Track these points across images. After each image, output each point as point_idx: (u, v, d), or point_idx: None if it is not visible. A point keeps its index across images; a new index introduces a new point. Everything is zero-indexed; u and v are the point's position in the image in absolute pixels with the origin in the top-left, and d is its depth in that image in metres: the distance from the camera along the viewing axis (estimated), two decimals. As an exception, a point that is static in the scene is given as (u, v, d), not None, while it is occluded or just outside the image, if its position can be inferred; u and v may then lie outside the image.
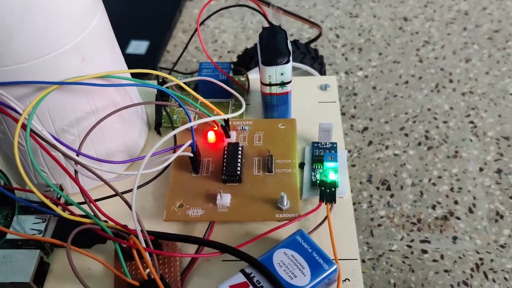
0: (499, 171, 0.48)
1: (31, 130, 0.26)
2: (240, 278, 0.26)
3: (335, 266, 0.26)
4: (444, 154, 0.50)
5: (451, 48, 0.62)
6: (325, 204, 0.31)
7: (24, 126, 0.26)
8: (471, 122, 0.53)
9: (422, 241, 0.43)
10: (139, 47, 0.60)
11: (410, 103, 0.55)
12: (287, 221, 0.30)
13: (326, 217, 0.30)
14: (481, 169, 0.48)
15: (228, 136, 0.34)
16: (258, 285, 0.25)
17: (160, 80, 0.38)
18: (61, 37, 0.26)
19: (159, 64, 0.61)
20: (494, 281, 0.40)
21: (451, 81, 0.58)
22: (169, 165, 0.31)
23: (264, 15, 0.36)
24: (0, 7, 0.24)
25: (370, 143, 0.51)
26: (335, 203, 0.31)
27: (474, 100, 0.55)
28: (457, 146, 0.50)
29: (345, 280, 0.28)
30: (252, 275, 0.26)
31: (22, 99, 0.27)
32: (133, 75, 0.34)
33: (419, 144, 0.51)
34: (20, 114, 0.26)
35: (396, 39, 0.64)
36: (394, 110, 0.54)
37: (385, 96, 0.56)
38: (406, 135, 0.52)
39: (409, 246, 0.43)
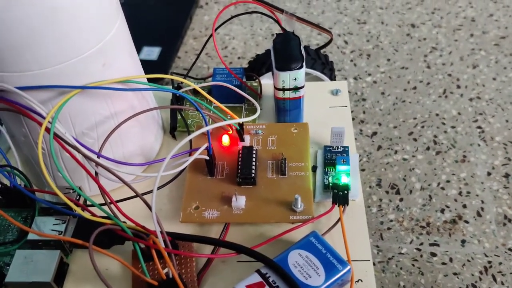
0: (507, 176, 0.48)
1: (54, 133, 0.26)
2: (256, 278, 0.26)
3: (348, 267, 0.27)
4: (452, 159, 0.50)
5: (458, 54, 0.62)
6: (338, 206, 0.31)
7: (47, 130, 0.26)
8: (479, 127, 0.53)
9: (431, 244, 0.43)
10: (151, 53, 0.61)
11: (419, 108, 0.55)
12: (301, 223, 0.30)
13: (339, 219, 0.30)
14: (489, 174, 0.48)
15: (242, 140, 0.35)
16: (273, 285, 0.26)
17: (175, 86, 0.38)
18: (84, 43, 0.27)
19: (170, 69, 0.62)
20: (502, 283, 0.40)
21: (458, 86, 0.58)
22: (185, 168, 0.31)
23: (277, 22, 0.37)
24: (27, 13, 0.25)
25: (379, 147, 0.52)
26: (347, 205, 0.31)
27: (481, 105, 0.55)
28: (465, 151, 0.50)
29: (358, 281, 0.28)
30: (267, 275, 0.26)
31: (45, 103, 0.28)
32: (148, 81, 0.35)
33: (428, 148, 0.51)
34: (44, 118, 0.26)
35: (404, 45, 0.64)
36: (403, 115, 0.55)
37: (394, 101, 0.57)
38: (415, 140, 0.52)
39: (418, 249, 0.43)
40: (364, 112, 0.56)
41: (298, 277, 0.26)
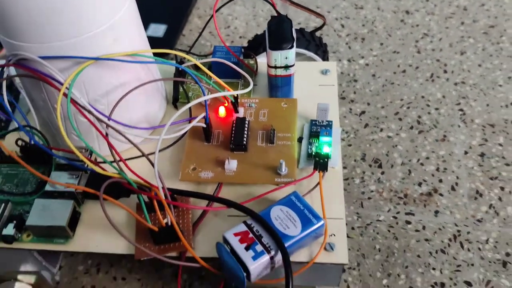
0: (482, 155, 0.51)
1: (71, 98, 0.30)
2: (243, 228, 0.30)
3: (322, 222, 0.31)
4: (433, 138, 0.53)
5: (448, 40, 0.65)
6: (318, 172, 0.35)
7: (65, 95, 0.30)
8: (461, 110, 0.56)
9: (406, 214, 0.47)
10: (157, 30, 0.64)
11: (406, 90, 0.59)
12: (284, 185, 0.34)
13: (318, 183, 0.34)
14: (466, 152, 0.52)
15: (236, 112, 0.38)
16: (257, 234, 0.30)
17: (179, 60, 0.42)
18: (98, 19, 0.31)
19: (175, 46, 0.65)
20: (468, 250, 0.44)
21: (445, 71, 0.61)
22: (185, 133, 0.35)
23: (273, 5, 0.40)
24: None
25: (366, 125, 0.55)
26: (326, 171, 0.35)
27: (465, 90, 0.58)
28: (446, 131, 0.54)
29: (331, 235, 0.32)
30: (252, 226, 0.30)
31: (62, 71, 0.31)
32: (154, 55, 0.38)
33: (411, 128, 0.54)
34: (62, 84, 0.30)
35: (397, 30, 0.67)
36: (391, 96, 0.58)
37: (383, 83, 0.60)
38: (400, 119, 0.55)
39: (395, 217, 0.47)
40: (354, 93, 0.59)
41: (278, 228, 0.30)
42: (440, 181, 0.49)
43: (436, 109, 0.56)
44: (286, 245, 0.29)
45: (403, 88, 0.59)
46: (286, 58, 0.37)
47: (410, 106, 0.57)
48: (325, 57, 0.52)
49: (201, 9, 0.73)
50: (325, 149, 0.36)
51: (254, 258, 0.29)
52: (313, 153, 0.36)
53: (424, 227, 0.46)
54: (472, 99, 0.57)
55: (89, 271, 0.45)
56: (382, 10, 0.71)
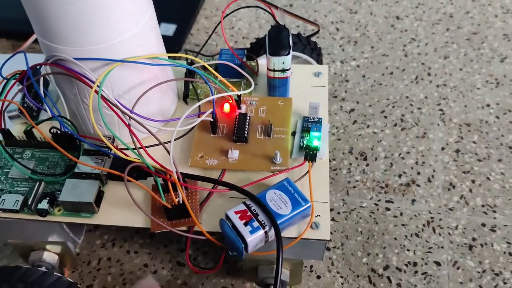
0: (457, 151, 0.57)
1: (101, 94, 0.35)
2: (242, 207, 0.35)
3: (309, 204, 0.36)
4: (414, 135, 0.58)
5: (433, 45, 0.70)
6: (308, 162, 0.40)
7: (95, 91, 0.35)
8: (441, 110, 0.61)
9: (387, 201, 0.52)
10: (168, 29, 0.69)
11: (392, 91, 0.64)
12: (278, 172, 0.39)
13: (307, 172, 0.39)
14: (443, 148, 0.57)
15: (239, 108, 0.43)
16: (254, 212, 0.35)
17: (189, 62, 0.47)
18: (124, 28, 0.35)
19: (183, 45, 0.70)
20: (439, 234, 0.50)
21: (429, 74, 0.66)
22: (194, 126, 0.40)
23: (273, 15, 0.45)
24: (86, 2, 0.33)
25: (355, 122, 0.60)
26: (315, 162, 0.40)
27: (446, 91, 0.63)
28: (426, 129, 0.59)
29: (317, 216, 0.37)
30: (250, 206, 0.35)
31: (94, 71, 0.36)
32: (168, 57, 0.43)
33: (395, 125, 0.59)
34: (93, 82, 0.35)
35: (388, 35, 0.72)
36: (378, 96, 0.63)
37: (372, 84, 0.65)
38: (385, 117, 0.60)
39: (376, 204, 0.52)
40: (345, 92, 0.64)
41: (272, 208, 0.35)
42: (418, 173, 0.54)
43: (419, 108, 0.61)
44: (278, 222, 0.34)
45: (390, 89, 0.64)
46: (283, 63, 0.42)
47: (395, 105, 0.62)
48: (319, 60, 0.57)
49: (207, 10, 0.77)
50: (315, 143, 0.40)
51: (251, 232, 0.34)
52: (304, 146, 0.41)
53: (401, 214, 0.51)
54: (451, 100, 0.62)
55: (105, 245, 0.50)
56: (374, 15, 0.75)
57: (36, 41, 0.69)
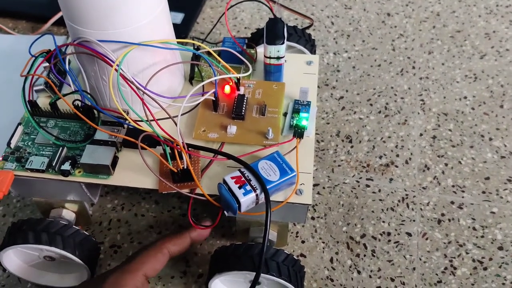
0: (434, 137, 0.62)
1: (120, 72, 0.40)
2: (237, 174, 0.40)
3: (295, 173, 0.41)
4: (396, 121, 0.63)
5: (419, 41, 0.75)
6: (296, 139, 0.45)
7: (115, 70, 0.40)
8: (422, 100, 0.66)
9: (367, 179, 0.57)
10: (176, 17, 0.73)
11: (379, 81, 0.68)
12: (270, 146, 0.44)
13: (295, 147, 0.44)
14: (421, 134, 0.62)
15: (238, 90, 0.48)
16: (247, 178, 0.40)
17: (195, 47, 0.51)
18: (142, 15, 0.40)
19: (190, 32, 0.74)
20: (412, 209, 0.55)
21: (413, 67, 0.71)
22: (198, 104, 0.45)
23: (271, 9, 0.50)
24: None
25: (343, 108, 0.65)
26: (302, 139, 0.45)
27: (428, 83, 0.68)
28: (407, 117, 0.64)
29: (301, 184, 0.42)
30: (244, 173, 0.40)
31: (114, 52, 0.41)
32: (178, 43, 0.48)
33: (379, 112, 0.64)
34: (113, 62, 0.40)
35: (378, 30, 0.76)
36: (366, 85, 0.68)
37: (361, 74, 0.70)
38: (371, 105, 0.65)
39: (357, 181, 0.57)
40: (336, 81, 0.69)
41: (263, 175, 0.40)
42: (397, 155, 0.60)
43: (402, 98, 0.66)
44: (267, 187, 0.39)
45: (377, 80, 0.69)
46: (278, 51, 0.47)
47: (380, 94, 0.67)
48: (312, 50, 0.62)
49: (213, 0, 0.82)
50: (303, 122, 0.45)
51: (244, 194, 0.39)
52: (294, 125, 0.46)
53: (379, 190, 0.56)
54: (432, 92, 0.67)
55: (115, 208, 0.56)
56: (367, 11, 0.80)
57: (53, 24, 0.74)
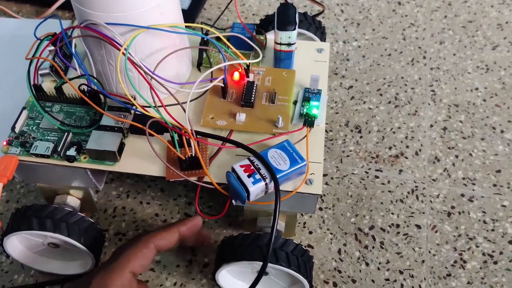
0: (444, 129, 0.61)
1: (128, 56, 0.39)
2: (247, 162, 0.39)
3: (305, 162, 0.40)
4: (406, 112, 0.62)
5: (430, 31, 0.73)
6: (307, 128, 0.44)
7: (123, 53, 0.39)
8: (433, 90, 0.65)
9: (376, 170, 0.56)
10: (183, 3, 0.72)
11: (389, 71, 0.67)
12: (279, 134, 0.43)
13: (305, 136, 0.43)
14: (431, 126, 0.61)
15: (248, 76, 0.47)
16: (257, 167, 0.39)
17: (204, 32, 0.50)
18: (151, -1, 0.39)
19: (197, 18, 0.73)
20: (422, 201, 0.54)
21: (424, 57, 0.69)
22: (207, 90, 0.44)
23: (282, -6, 0.48)
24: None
25: (352, 97, 0.64)
26: (313, 127, 0.44)
27: (439, 74, 0.67)
28: (417, 107, 0.63)
29: (312, 174, 0.41)
30: (254, 161, 0.39)
31: (122, 35, 0.40)
32: (186, 27, 0.46)
33: (389, 102, 0.63)
34: (120, 45, 0.39)
35: (388, 19, 0.75)
36: (375, 75, 0.67)
37: (371, 63, 0.68)
38: (381, 95, 0.64)
39: (366, 172, 0.56)
40: (346, 70, 0.67)
41: (273, 164, 0.39)
42: (407, 147, 0.59)
43: (412, 88, 0.65)
44: (277, 176, 0.38)
45: (387, 69, 0.67)
46: (289, 37, 0.45)
47: (390, 84, 0.65)
48: (322, 38, 0.60)
49: (220, -14, 0.81)
50: (314, 111, 0.44)
51: (254, 183, 0.38)
52: (304, 113, 0.45)
53: (389, 182, 0.55)
54: (443, 82, 0.66)
55: (120, 196, 0.55)
56: (377, 0, 0.78)
57: (58, 8, 0.72)
